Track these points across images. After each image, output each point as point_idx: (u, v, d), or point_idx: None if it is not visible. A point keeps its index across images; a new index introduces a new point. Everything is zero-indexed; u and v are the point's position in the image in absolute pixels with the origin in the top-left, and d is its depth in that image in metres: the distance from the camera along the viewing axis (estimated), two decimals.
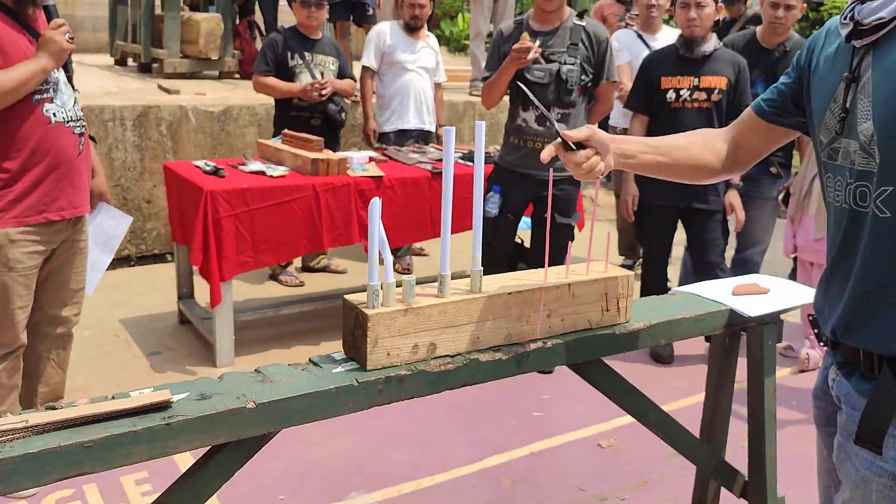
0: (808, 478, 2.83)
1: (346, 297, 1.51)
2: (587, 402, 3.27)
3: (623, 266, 5.25)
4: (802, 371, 3.77)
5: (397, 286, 1.49)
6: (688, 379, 3.65)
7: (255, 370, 1.46)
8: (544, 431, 3.12)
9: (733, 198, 3.61)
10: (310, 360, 1.51)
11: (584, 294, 1.66)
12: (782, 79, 1.54)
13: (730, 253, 3.96)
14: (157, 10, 6.73)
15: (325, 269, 5.02)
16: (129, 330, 4.00)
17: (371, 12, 5.88)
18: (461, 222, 4.04)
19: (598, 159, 1.48)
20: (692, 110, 3.52)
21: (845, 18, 1.29)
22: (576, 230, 3.69)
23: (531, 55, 3.16)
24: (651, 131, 3.64)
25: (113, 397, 1.33)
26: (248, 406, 1.32)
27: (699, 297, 1.93)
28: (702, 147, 1.62)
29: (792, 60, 1.52)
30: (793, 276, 5.14)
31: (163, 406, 1.29)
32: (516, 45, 3.16)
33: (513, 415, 3.25)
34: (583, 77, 3.33)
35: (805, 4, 3.82)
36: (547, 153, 1.48)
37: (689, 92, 3.51)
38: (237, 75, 6.71)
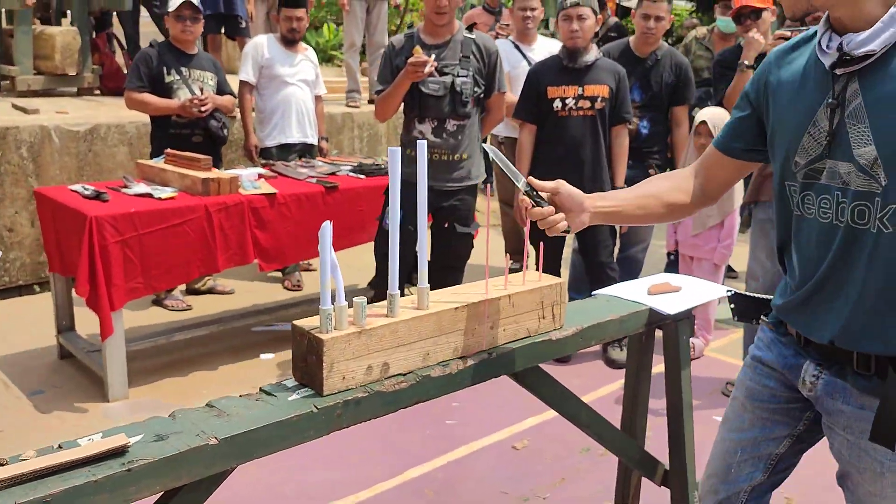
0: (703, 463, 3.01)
1: (296, 322, 1.49)
2: (495, 406, 3.36)
3: (512, 270, 5.38)
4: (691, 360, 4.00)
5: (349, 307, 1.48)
6: (585, 376, 3.81)
7: (208, 405, 1.42)
8: (459, 439, 3.17)
9: None
10: (261, 389, 1.47)
11: (523, 303, 1.72)
12: (736, 114, 1.61)
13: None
14: (4, 24, 6.30)
15: (211, 291, 4.86)
16: (3, 369, 3.72)
17: (244, 25, 5.75)
18: (358, 235, 4.06)
19: (560, 217, 1.53)
20: (577, 118, 3.68)
21: (826, 47, 1.37)
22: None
23: (427, 69, 3.20)
24: (539, 139, 3.77)
25: (60, 447, 1.25)
26: (210, 443, 1.28)
27: (620, 298, 2.03)
28: (672, 191, 1.68)
29: (742, 95, 1.59)
30: (669, 269, 5.47)
31: (120, 451, 1.23)
32: (412, 59, 3.19)
33: (426, 424, 3.27)
34: (476, 89, 3.42)
35: (673, 16, 4.08)
36: (521, 209, 1.54)
37: (574, 100, 3.66)
38: (97, 91, 6.37)
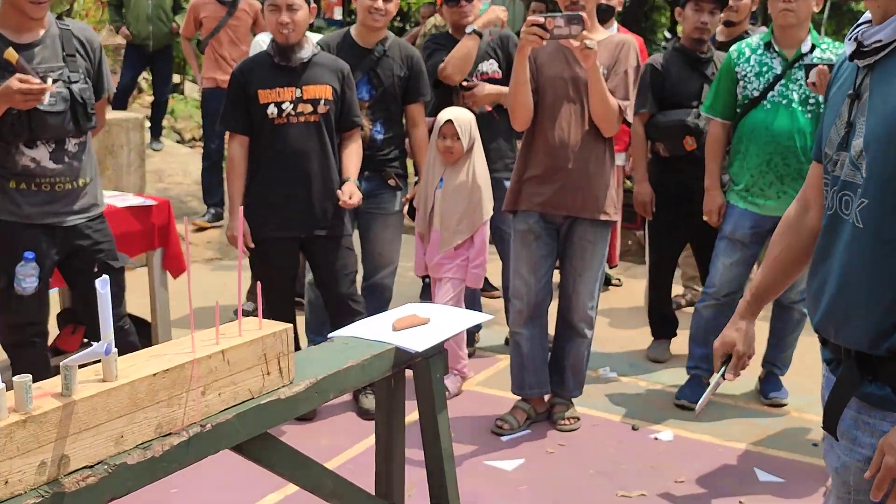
0: None
1: None
2: (224, 484, 3.26)
3: (246, 312, 5.28)
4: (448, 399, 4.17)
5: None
6: (335, 434, 3.83)
7: None
8: None
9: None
10: None
11: (241, 359, 1.70)
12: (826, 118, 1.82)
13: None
14: None
15: None
16: None
17: None
18: None
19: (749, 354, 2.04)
20: (299, 125, 3.71)
21: (851, 38, 1.63)
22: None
23: (46, 98, 2.99)
24: (253, 151, 3.76)
25: None
26: None
27: (361, 339, 2.08)
28: (797, 235, 1.94)
29: None
30: (425, 295, 5.66)
31: None
32: (22, 87, 2.89)
33: None
34: (92, 95, 3.27)
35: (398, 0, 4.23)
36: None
37: (292, 105, 3.69)
38: None
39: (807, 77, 3.53)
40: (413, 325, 2.19)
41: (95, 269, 3.26)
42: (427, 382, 2.19)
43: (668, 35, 10.10)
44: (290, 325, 1.80)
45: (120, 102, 8.39)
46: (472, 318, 2.32)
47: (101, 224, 3.42)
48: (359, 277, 4.17)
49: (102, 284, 1.51)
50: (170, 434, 1.57)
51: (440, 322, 2.24)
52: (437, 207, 4.08)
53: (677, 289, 5.45)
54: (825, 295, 1.71)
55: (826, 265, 1.72)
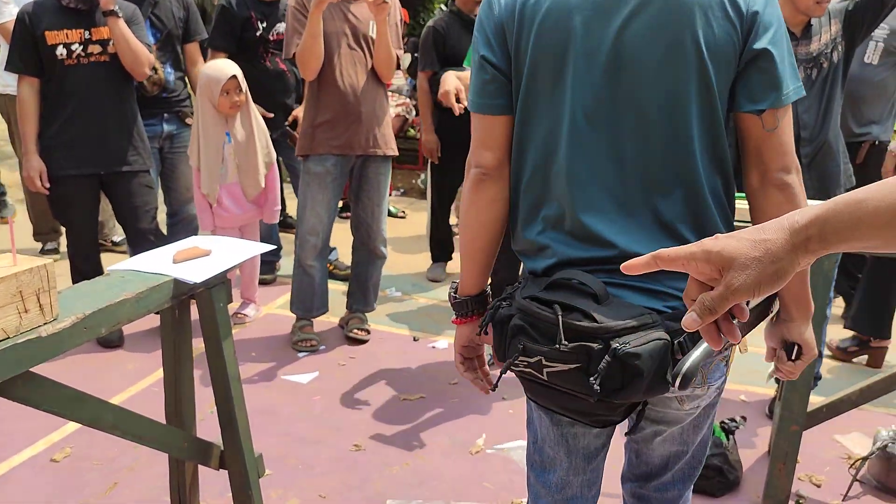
0: (277, 427, 2.92)
1: None
2: (29, 416, 2.81)
3: (46, 252, 4.66)
4: (246, 324, 3.85)
5: None
6: (143, 359, 3.42)
7: None
8: None
9: None
10: None
11: None
12: None
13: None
14: None
15: None
16: None
17: None
18: None
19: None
20: (89, 66, 3.19)
21: None
22: None
23: None
24: (45, 93, 3.22)
25: None
26: None
27: (138, 272, 1.73)
28: None
29: None
30: None
31: None
32: None
33: None
34: None
35: None
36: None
37: (81, 46, 3.16)
38: None
39: None
40: (194, 256, 1.85)
41: None
42: (210, 311, 1.86)
43: (443, 7, 9.82)
44: (50, 261, 1.43)
45: None
46: (253, 248, 2.00)
47: None
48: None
49: None
50: None
51: (222, 253, 1.91)
52: (231, 162, 3.51)
53: (454, 219, 5.33)
54: None
55: None
